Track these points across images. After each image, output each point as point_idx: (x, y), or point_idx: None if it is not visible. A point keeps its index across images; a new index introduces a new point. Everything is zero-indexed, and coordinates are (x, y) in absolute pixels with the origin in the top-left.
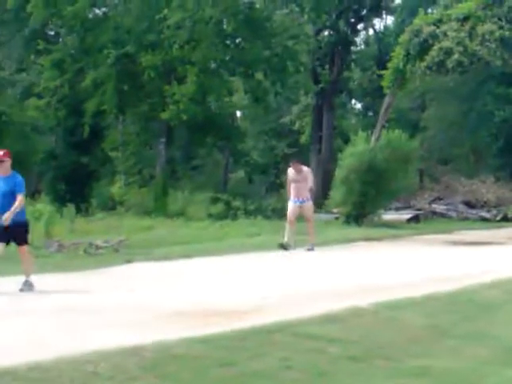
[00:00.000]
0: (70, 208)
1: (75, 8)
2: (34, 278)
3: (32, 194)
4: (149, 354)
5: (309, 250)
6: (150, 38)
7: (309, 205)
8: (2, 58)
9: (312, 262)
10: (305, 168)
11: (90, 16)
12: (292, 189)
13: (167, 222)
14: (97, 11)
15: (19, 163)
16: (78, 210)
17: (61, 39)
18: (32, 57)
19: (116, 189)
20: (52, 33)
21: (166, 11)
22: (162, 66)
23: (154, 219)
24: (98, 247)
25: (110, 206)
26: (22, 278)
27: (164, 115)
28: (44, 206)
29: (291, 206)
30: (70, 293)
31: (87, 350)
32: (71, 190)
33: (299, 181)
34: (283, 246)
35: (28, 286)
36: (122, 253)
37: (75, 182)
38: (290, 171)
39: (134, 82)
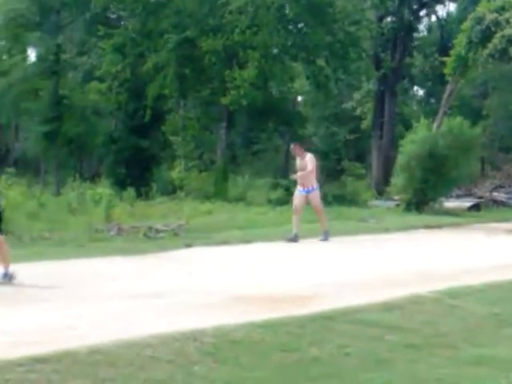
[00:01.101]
0: (130, 192)
1: None
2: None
3: (92, 178)
4: (208, 339)
5: (322, 240)
6: (212, 22)
7: (315, 194)
8: (63, 41)
9: (371, 248)
10: (308, 154)
11: (152, 0)
12: (298, 176)
13: (227, 206)
14: None
15: (80, 146)
16: (138, 194)
17: (122, 23)
18: (93, 40)
19: (176, 173)
20: (113, 16)
21: None
22: (223, 50)
23: (213, 204)
24: (157, 231)
25: (170, 190)
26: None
27: (225, 100)
28: (104, 189)
29: (297, 195)
30: (129, 276)
31: (147, 334)
32: (131, 173)
33: (302, 168)
34: (293, 239)
35: (7, 279)
36: (181, 237)
37: (135, 166)
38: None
39: (195, 66)
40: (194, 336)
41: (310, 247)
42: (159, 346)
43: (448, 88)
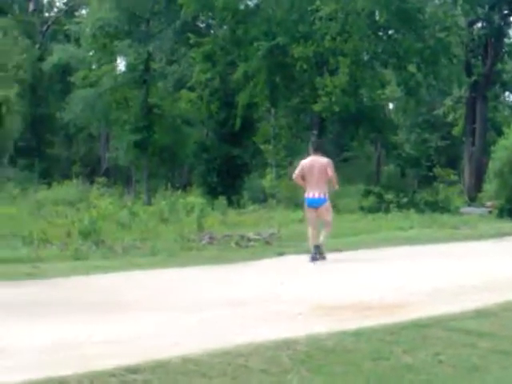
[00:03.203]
0: (222, 200)
1: (226, 0)
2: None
3: (184, 187)
4: (301, 347)
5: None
6: (302, 29)
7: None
8: (153, 49)
9: (461, 255)
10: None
11: (242, 8)
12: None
13: None
14: (248, 3)
15: (171, 155)
16: (230, 203)
17: (212, 31)
18: (183, 49)
19: (267, 181)
20: (203, 25)
21: (317, 2)
22: (313, 57)
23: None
24: (249, 239)
25: (262, 198)
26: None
27: (316, 107)
28: (196, 198)
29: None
30: (221, 285)
31: (239, 343)
32: (222, 182)
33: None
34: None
35: None
36: (273, 245)
37: (226, 175)
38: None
39: (286, 74)
40: (287, 344)
41: (401, 255)
42: (251, 355)
43: None
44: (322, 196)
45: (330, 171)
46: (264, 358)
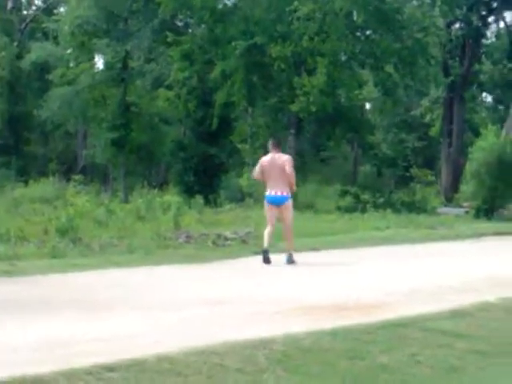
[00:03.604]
0: (199, 199)
1: None
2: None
3: (161, 185)
4: (278, 347)
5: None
6: (280, 29)
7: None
8: (131, 48)
9: (438, 255)
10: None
11: (220, 7)
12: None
13: (296, 214)
14: (226, 2)
15: (148, 154)
16: (207, 202)
17: (190, 30)
18: (161, 48)
19: (244, 180)
20: (181, 24)
21: (296, 3)
22: (291, 57)
23: None
24: (226, 238)
25: (239, 197)
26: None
27: (293, 107)
28: (172, 196)
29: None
30: (197, 284)
31: (215, 342)
32: (199, 181)
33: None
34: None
35: None
36: (250, 244)
37: (203, 174)
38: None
39: (263, 73)
40: (264, 344)
41: (378, 255)
42: (228, 354)
43: None
44: (284, 194)
45: (289, 168)
46: (240, 357)
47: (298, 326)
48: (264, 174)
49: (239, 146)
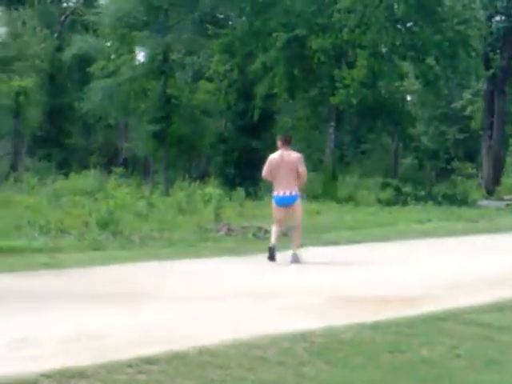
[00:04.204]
0: (240, 192)
1: None
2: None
3: (201, 177)
4: (318, 340)
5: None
6: (320, 21)
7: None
8: (171, 41)
9: (480, 249)
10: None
11: None
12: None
13: (336, 206)
14: None
15: (189, 146)
16: (248, 194)
17: (230, 22)
18: (202, 40)
19: None
20: (222, 16)
21: None
22: (332, 49)
23: (322, 204)
24: (266, 231)
25: None
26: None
27: (334, 99)
28: (213, 189)
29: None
30: (238, 277)
31: (256, 335)
32: (240, 173)
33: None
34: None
35: None
36: (290, 237)
37: (244, 166)
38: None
39: (304, 65)
40: (304, 336)
41: (419, 248)
42: (268, 346)
43: None
44: (293, 193)
45: (301, 167)
46: (281, 349)
47: (339, 318)
48: (272, 173)
49: None
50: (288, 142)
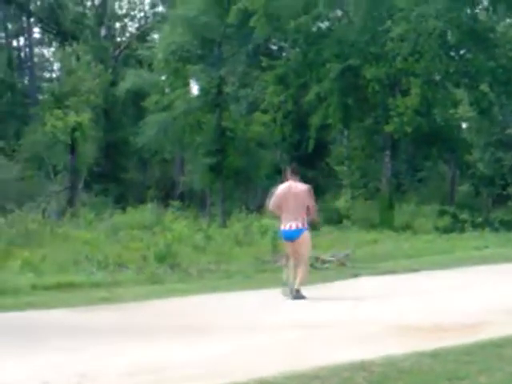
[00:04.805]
0: None
1: (298, 22)
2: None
3: (258, 209)
4: (377, 369)
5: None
6: (374, 50)
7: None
8: (225, 73)
9: None
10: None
11: (314, 30)
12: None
13: (393, 235)
14: (320, 25)
15: (245, 178)
16: None
17: (284, 54)
18: (255, 72)
19: (342, 202)
20: (275, 47)
21: (389, 23)
22: (385, 78)
23: (379, 232)
24: (324, 261)
25: (336, 219)
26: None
27: (388, 128)
28: (270, 220)
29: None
30: (296, 307)
31: (315, 365)
32: None
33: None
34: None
35: None
36: (348, 267)
37: None
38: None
39: (358, 95)
40: (363, 366)
41: (477, 275)
42: (328, 377)
43: None
44: (299, 226)
45: (310, 201)
46: (341, 379)
47: (397, 347)
48: (279, 206)
49: (336, 168)
50: (296, 173)
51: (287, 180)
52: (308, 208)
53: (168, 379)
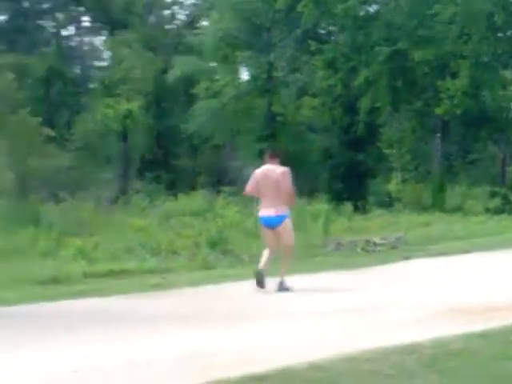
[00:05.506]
0: (347, 206)
1: (346, 6)
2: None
3: (309, 193)
4: (427, 351)
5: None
6: (422, 33)
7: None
8: (274, 58)
9: None
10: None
11: (362, 14)
12: None
13: (444, 217)
14: (368, 9)
15: (296, 163)
16: (355, 208)
17: (332, 38)
18: (304, 57)
19: (393, 185)
20: (323, 32)
21: (437, 6)
22: (434, 61)
23: (431, 215)
24: (375, 244)
25: (387, 202)
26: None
27: (438, 110)
28: (321, 204)
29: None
30: (349, 291)
31: (365, 349)
32: (347, 188)
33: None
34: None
35: None
36: (399, 249)
37: (351, 180)
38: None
39: (407, 78)
40: (414, 348)
41: None
42: (378, 360)
43: None
44: (279, 213)
45: (287, 184)
46: (390, 362)
47: (447, 329)
48: (258, 190)
49: (386, 151)
50: (275, 157)
51: (266, 164)
52: (287, 193)
53: (218, 364)
